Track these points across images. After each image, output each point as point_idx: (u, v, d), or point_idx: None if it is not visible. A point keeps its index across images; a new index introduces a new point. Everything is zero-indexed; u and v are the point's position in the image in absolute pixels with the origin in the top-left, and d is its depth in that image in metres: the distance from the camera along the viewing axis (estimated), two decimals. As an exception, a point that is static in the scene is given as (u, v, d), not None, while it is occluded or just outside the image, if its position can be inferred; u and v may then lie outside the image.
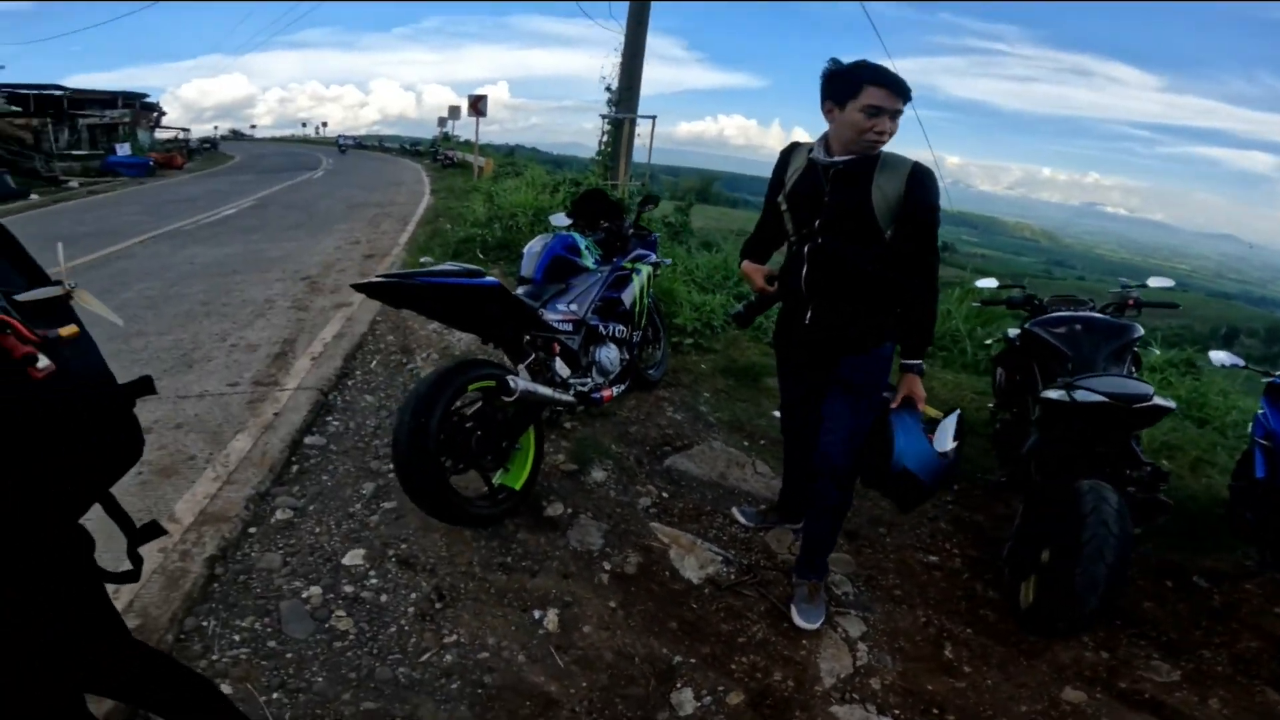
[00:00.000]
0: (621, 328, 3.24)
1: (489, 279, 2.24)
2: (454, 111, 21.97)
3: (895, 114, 1.84)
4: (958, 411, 2.23)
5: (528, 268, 3.00)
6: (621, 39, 10.02)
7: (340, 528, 2.48)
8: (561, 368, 2.84)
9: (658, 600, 2.34)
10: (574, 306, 2.97)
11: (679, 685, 2.02)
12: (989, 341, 4.68)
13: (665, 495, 3.00)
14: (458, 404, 2.31)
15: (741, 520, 2.85)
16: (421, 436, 2.11)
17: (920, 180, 1.90)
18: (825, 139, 1.98)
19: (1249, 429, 2.86)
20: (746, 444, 3.55)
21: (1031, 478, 2.56)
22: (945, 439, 2.10)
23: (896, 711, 2.07)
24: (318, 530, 2.46)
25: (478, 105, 16.41)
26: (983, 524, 3.05)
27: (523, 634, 2.10)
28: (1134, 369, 2.90)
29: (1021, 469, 2.65)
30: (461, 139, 30.82)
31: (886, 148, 1.92)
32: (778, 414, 3.80)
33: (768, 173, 2.28)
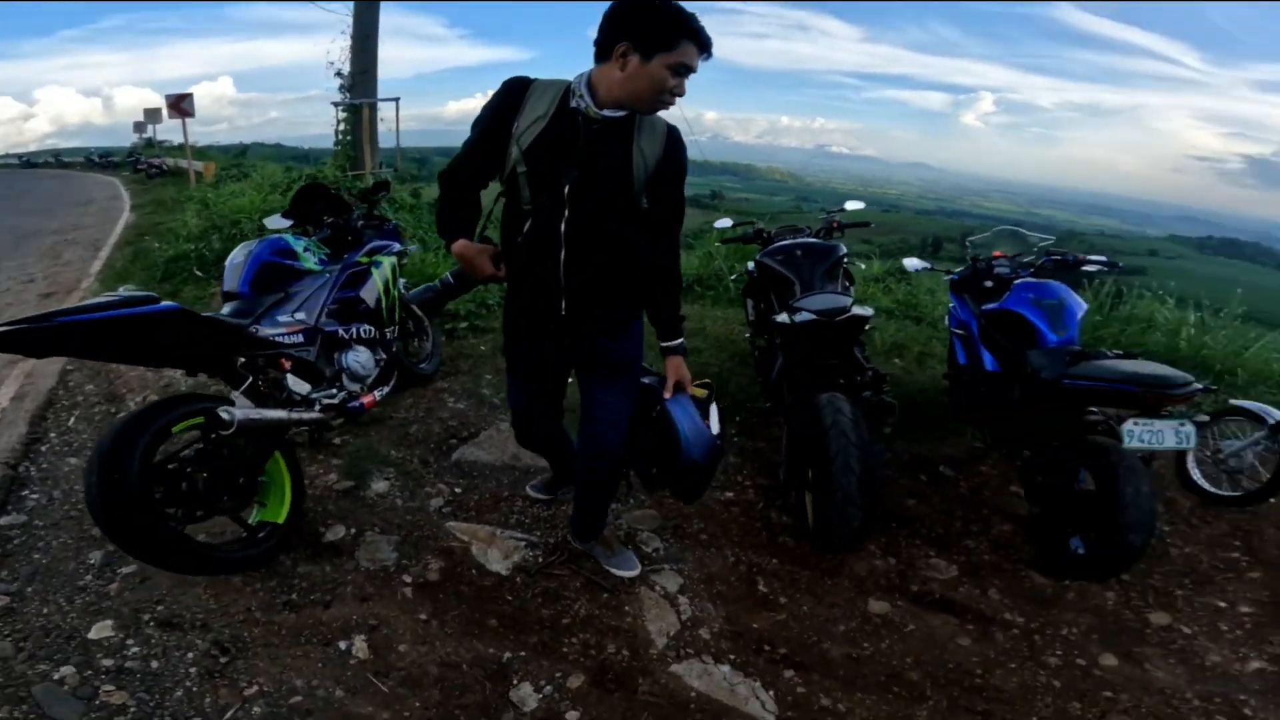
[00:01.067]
0: (367, 327, 2.94)
1: (163, 304, 1.88)
2: (152, 115, 18.38)
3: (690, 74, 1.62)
4: (713, 387, 2.17)
5: (231, 281, 2.59)
6: (350, 21, 9.22)
7: (74, 603, 2.16)
8: (298, 384, 2.51)
9: (470, 601, 2.23)
10: (301, 315, 2.62)
11: (515, 682, 1.95)
12: (734, 278, 5.04)
13: (458, 490, 2.85)
14: (168, 449, 2.01)
15: (535, 495, 2.76)
16: (117, 498, 1.81)
17: (678, 142, 1.75)
18: (590, 85, 1.62)
19: (947, 322, 3.35)
20: (536, 420, 3.43)
21: (785, 399, 2.75)
22: (714, 420, 2.08)
23: (732, 657, 2.11)
24: (46, 610, 2.13)
25: (180, 105, 13.91)
26: (765, 450, 3.23)
27: (334, 668, 1.93)
28: (847, 283, 3.26)
29: (776, 392, 2.83)
30: (176, 143, 26.10)
31: None
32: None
33: None
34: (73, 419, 3.38)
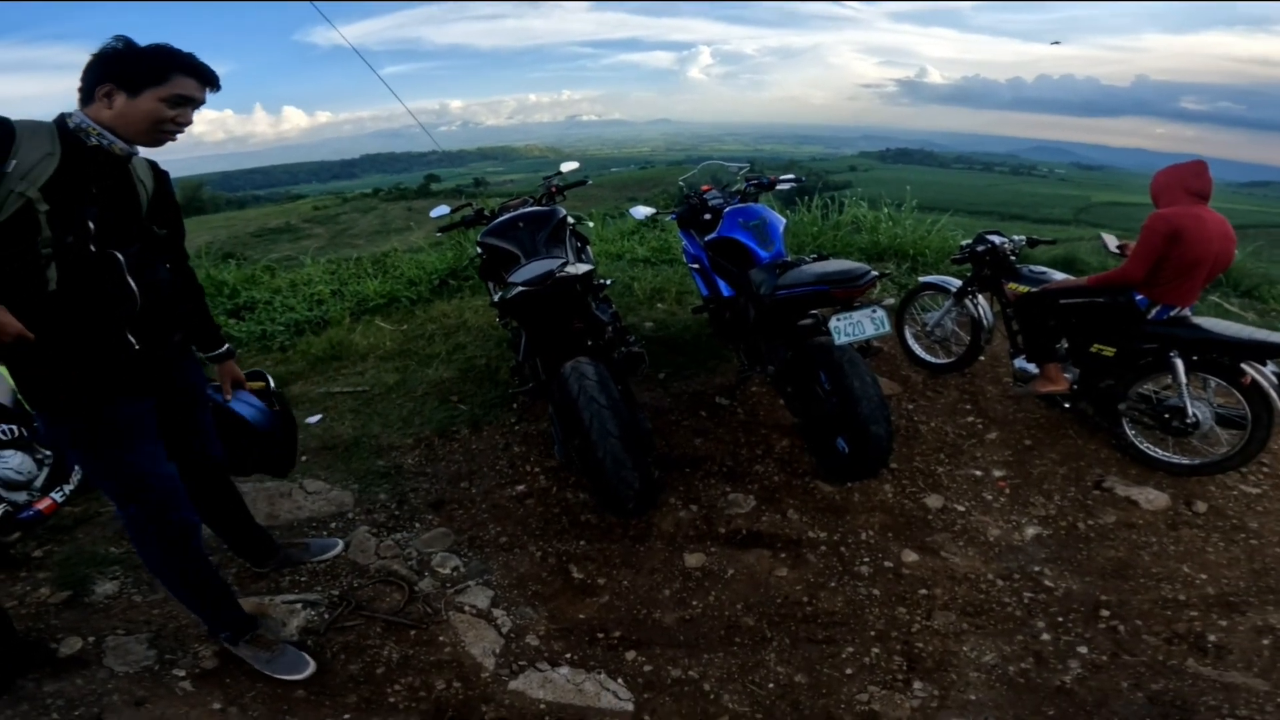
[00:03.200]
0: (6, 427, 2.42)
1: None
2: None
3: (198, 106, 1.70)
4: (267, 379, 2.30)
5: None
6: None
7: None
8: None
9: (264, 679, 2.00)
10: None
11: None
12: (477, 264, 4.88)
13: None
14: None
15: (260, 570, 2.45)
16: None
17: (162, 171, 1.86)
18: (100, 123, 1.64)
19: (685, 260, 3.49)
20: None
21: (539, 376, 2.66)
22: (269, 399, 2.25)
23: (568, 656, 2.04)
24: None
25: None
26: (548, 432, 3.13)
27: None
28: (579, 244, 3.23)
29: (532, 370, 2.73)
30: None
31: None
32: (313, 420, 3.29)
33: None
34: None
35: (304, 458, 3.05)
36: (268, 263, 6.13)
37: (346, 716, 1.86)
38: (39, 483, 2.49)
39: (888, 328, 2.47)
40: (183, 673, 2.06)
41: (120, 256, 1.65)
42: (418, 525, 2.62)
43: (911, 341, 3.63)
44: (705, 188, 3.32)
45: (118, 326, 1.68)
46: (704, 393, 3.36)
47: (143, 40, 1.62)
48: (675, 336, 3.85)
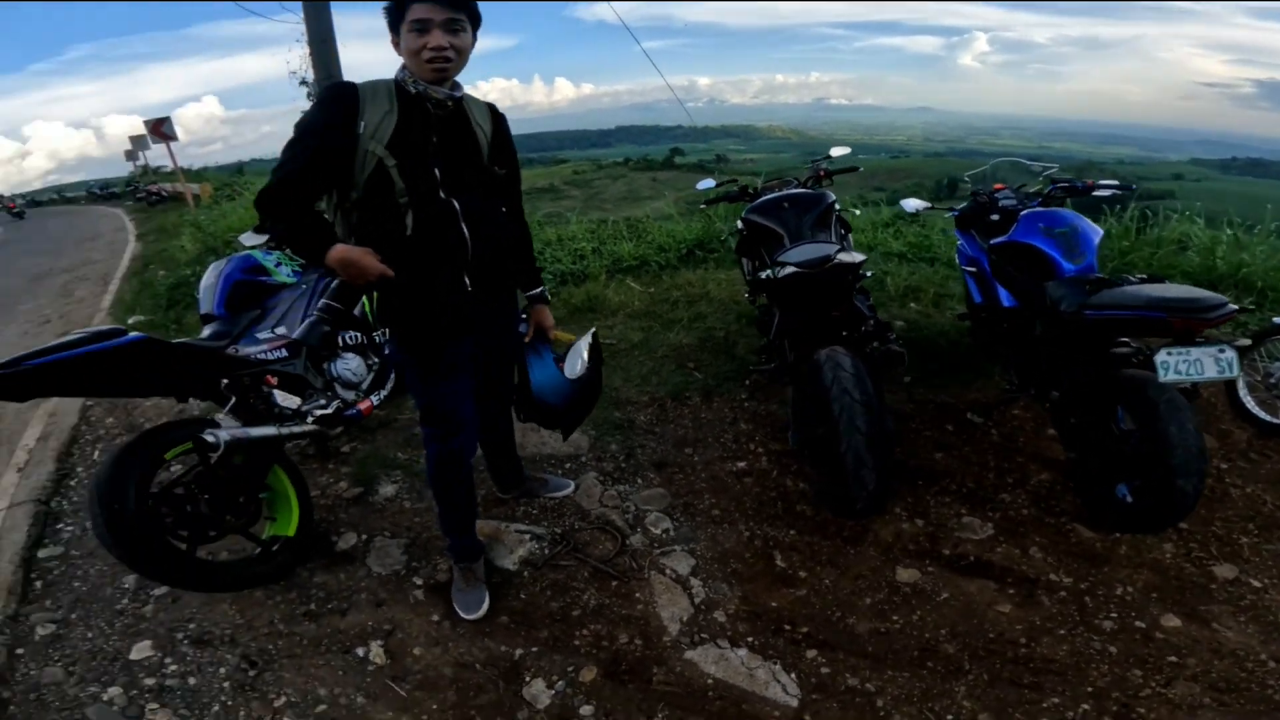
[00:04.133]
0: (353, 333, 2.93)
1: (129, 336, 1.97)
2: (139, 141, 18.22)
3: (452, 26, 1.67)
4: (590, 334, 2.31)
5: (206, 303, 2.70)
6: (303, 29, 9.09)
7: (114, 626, 2.27)
8: (286, 399, 2.56)
9: None
10: (281, 329, 2.68)
11: (528, 679, 1.93)
12: (724, 237, 4.89)
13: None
14: (163, 476, 2.10)
15: (501, 496, 2.70)
16: (120, 528, 1.88)
17: (500, 113, 1.94)
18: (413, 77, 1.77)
19: (957, 261, 3.17)
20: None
21: (786, 358, 2.61)
22: (575, 364, 2.24)
23: (749, 639, 2.03)
24: (90, 635, 2.24)
25: (160, 129, 13.59)
26: (777, 413, 3.10)
27: (353, 675, 1.99)
28: (843, 231, 3.07)
29: (779, 352, 2.69)
30: (169, 168, 26.16)
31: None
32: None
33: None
34: (96, 452, 3.45)
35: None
36: (537, 218, 6.83)
37: (533, 649, 2.02)
38: (365, 385, 2.91)
39: (1236, 371, 2.00)
40: (420, 581, 2.31)
41: (456, 204, 1.78)
42: (640, 481, 2.76)
43: (1244, 392, 2.91)
44: (998, 186, 2.97)
45: (457, 269, 1.83)
46: (953, 406, 3.06)
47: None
48: (928, 340, 3.54)
